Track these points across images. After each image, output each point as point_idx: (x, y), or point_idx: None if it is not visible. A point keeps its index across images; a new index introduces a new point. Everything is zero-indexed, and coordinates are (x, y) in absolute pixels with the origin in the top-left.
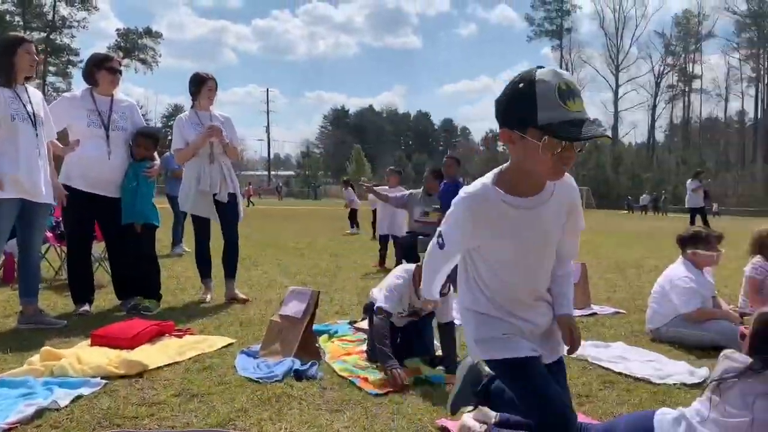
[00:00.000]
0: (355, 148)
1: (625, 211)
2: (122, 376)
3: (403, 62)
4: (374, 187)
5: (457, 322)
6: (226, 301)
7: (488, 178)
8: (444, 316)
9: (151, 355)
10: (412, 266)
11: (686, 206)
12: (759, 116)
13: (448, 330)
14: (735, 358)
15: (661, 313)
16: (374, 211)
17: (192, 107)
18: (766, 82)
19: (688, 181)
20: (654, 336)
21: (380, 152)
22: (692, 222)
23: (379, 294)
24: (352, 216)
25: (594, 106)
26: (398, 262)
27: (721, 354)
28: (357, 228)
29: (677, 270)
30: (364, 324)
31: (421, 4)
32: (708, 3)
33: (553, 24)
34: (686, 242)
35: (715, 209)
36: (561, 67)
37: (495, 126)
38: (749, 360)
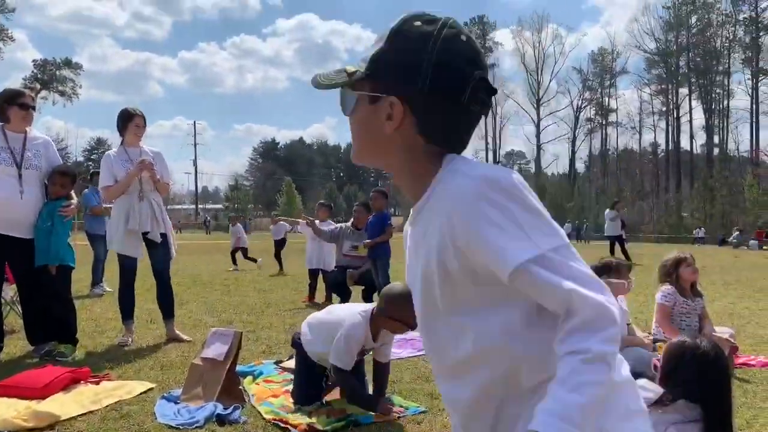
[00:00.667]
0: (286, 181)
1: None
2: (31, 430)
3: (333, 95)
4: (313, 222)
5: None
6: (167, 339)
7: None
8: (384, 356)
9: (64, 404)
10: (366, 309)
11: (605, 235)
12: (670, 147)
13: (384, 370)
14: (648, 389)
15: None
16: (276, 242)
17: (121, 144)
18: (675, 115)
19: (607, 211)
20: None
21: (311, 184)
22: (611, 250)
23: (316, 339)
24: (236, 252)
25: (518, 138)
26: (327, 297)
27: (637, 384)
28: (236, 265)
29: None
30: (290, 363)
31: (350, 39)
32: (620, 41)
33: None
34: (598, 273)
35: (623, 237)
36: None
37: None
38: (661, 391)
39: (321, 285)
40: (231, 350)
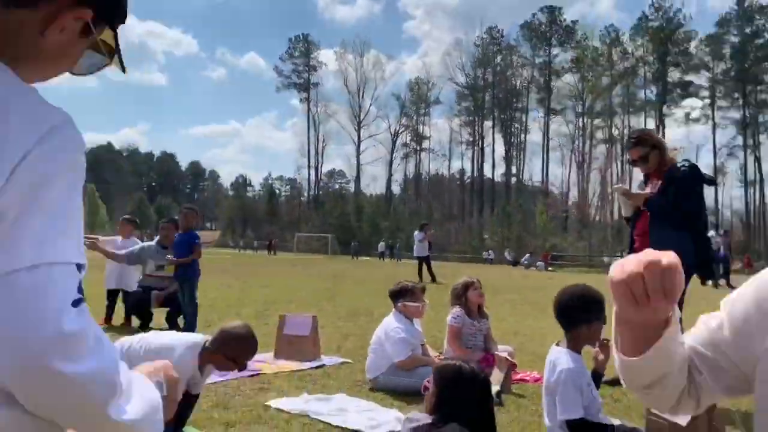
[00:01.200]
0: (89, 188)
1: (351, 257)
2: None
3: (147, 99)
4: (98, 243)
5: None
6: None
7: None
8: (198, 388)
9: None
10: (195, 342)
11: (414, 255)
12: (475, 175)
13: (194, 402)
14: (415, 419)
15: (378, 363)
16: None
17: None
18: (480, 146)
19: (416, 233)
20: (373, 385)
21: (118, 194)
22: (419, 269)
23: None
24: None
25: (339, 157)
26: (127, 318)
27: (404, 417)
28: None
29: (390, 321)
30: None
31: (168, 42)
32: (435, 73)
33: (301, 77)
34: (396, 296)
35: (430, 257)
36: (309, 120)
37: (245, 171)
38: (429, 418)
39: (120, 305)
40: None
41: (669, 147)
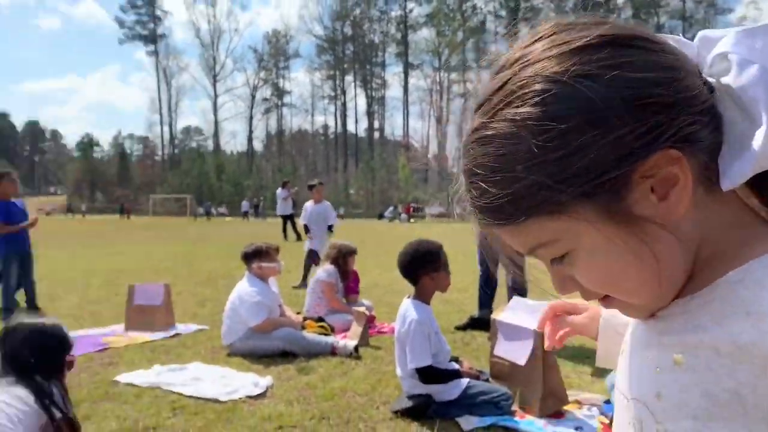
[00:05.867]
0: None
1: (205, 218)
2: None
3: None
4: None
5: None
6: None
7: None
8: None
9: None
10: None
11: (277, 214)
12: (339, 130)
13: None
14: None
15: (234, 328)
16: None
17: None
18: (342, 100)
19: (278, 191)
20: (230, 351)
21: None
22: (284, 228)
23: None
24: None
25: (194, 114)
26: None
27: None
28: None
29: (244, 285)
30: None
31: None
32: (293, 25)
33: (146, 29)
34: (250, 258)
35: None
36: (158, 74)
37: (91, 129)
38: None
39: None
40: None
41: None
